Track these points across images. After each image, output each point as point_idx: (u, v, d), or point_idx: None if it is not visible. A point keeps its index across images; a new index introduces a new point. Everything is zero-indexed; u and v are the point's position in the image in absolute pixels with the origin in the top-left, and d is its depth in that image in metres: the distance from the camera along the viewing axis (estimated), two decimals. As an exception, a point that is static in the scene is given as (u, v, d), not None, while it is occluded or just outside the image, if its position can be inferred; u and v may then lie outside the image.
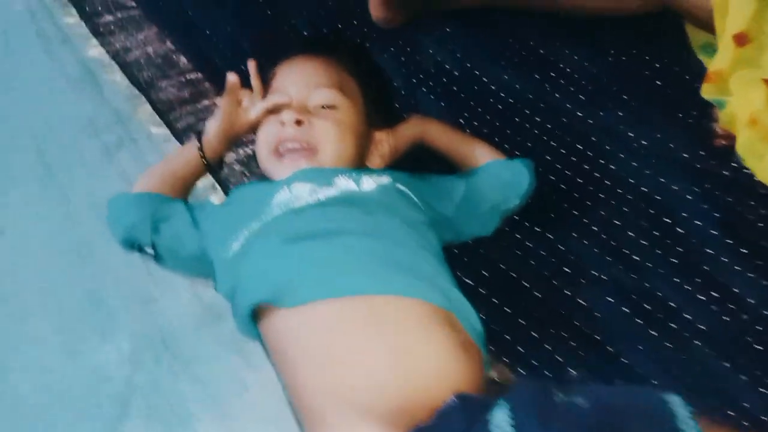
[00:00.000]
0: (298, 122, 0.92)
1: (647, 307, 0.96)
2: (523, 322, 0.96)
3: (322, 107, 0.95)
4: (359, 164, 0.98)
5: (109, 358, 0.93)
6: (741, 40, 1.06)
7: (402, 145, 1.04)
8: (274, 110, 0.96)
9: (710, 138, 1.13)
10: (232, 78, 0.97)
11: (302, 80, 0.97)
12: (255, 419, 0.88)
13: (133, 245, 0.96)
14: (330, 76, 0.98)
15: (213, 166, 1.01)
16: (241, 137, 1.03)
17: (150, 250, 0.94)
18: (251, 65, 0.99)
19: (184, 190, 1.01)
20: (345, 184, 0.90)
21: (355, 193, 0.89)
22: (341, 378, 0.73)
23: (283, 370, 0.80)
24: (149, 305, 0.98)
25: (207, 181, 1.10)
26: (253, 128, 1.00)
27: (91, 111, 1.22)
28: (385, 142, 1.01)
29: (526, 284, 1.00)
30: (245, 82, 0.99)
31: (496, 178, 1.00)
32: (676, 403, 0.65)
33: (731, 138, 1.10)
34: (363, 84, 1.00)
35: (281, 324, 0.80)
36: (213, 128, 1.00)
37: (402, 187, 0.93)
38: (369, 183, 0.91)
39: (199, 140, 1.00)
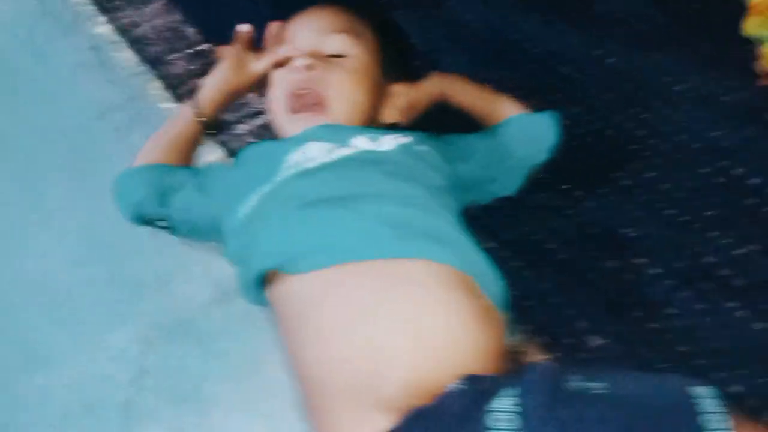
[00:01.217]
0: (309, 66, 0.89)
1: (680, 265, 0.89)
2: (546, 287, 0.90)
3: (335, 56, 0.91)
4: (374, 117, 0.94)
5: (122, 340, 0.93)
6: (786, -34, 0.96)
7: (422, 102, 1.00)
8: (282, 64, 0.93)
9: (753, 79, 1.04)
10: (244, 28, 0.95)
11: (312, 28, 0.94)
12: (271, 397, 0.87)
13: (145, 220, 0.93)
14: (342, 22, 0.94)
15: (210, 126, 0.97)
16: (242, 95, 1.00)
17: (162, 223, 0.92)
18: (272, 25, 0.96)
19: (187, 154, 0.97)
20: (362, 143, 0.86)
21: (372, 152, 0.85)
22: (346, 351, 0.69)
23: (289, 340, 0.77)
24: (162, 285, 0.97)
25: (218, 154, 1.07)
26: (256, 85, 0.97)
27: (102, 92, 1.20)
28: (401, 96, 0.97)
29: (550, 247, 0.94)
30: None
31: (521, 132, 0.96)
32: (704, 395, 0.59)
33: None
34: (379, 33, 0.96)
35: (290, 291, 0.76)
36: (211, 83, 0.97)
37: (423, 148, 0.89)
38: (388, 142, 0.87)
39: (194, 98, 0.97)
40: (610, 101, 1.07)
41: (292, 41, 0.94)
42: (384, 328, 0.69)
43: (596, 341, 0.85)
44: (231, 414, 0.86)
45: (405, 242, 0.74)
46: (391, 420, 0.64)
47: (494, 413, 0.59)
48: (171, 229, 0.93)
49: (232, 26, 1.25)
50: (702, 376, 0.62)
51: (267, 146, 0.93)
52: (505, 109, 0.98)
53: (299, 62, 0.89)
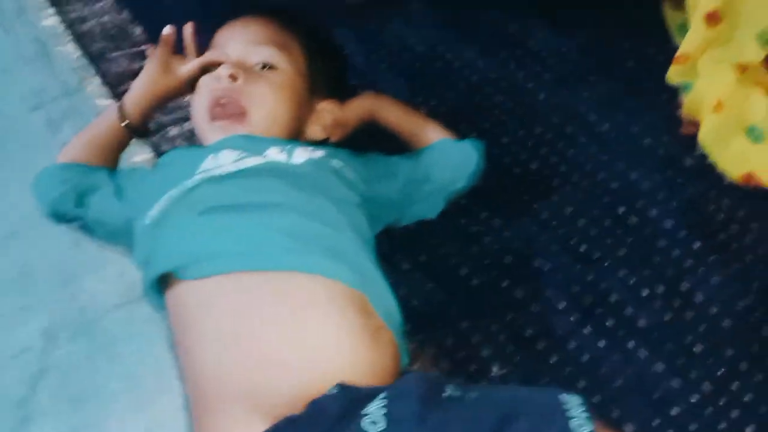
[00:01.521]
0: (233, 77, 0.89)
1: (587, 301, 0.91)
2: (455, 312, 0.91)
3: (262, 67, 0.91)
4: (297, 132, 0.94)
5: (26, 334, 0.92)
6: (712, 19, 0.99)
7: (351, 121, 1.00)
8: (208, 68, 0.93)
9: (677, 125, 1.07)
10: (167, 30, 0.94)
11: (241, 38, 0.94)
12: (172, 402, 0.86)
13: (62, 218, 0.93)
14: (271, 35, 0.94)
15: (135, 129, 0.96)
16: (170, 98, 0.99)
17: (78, 223, 0.92)
18: (188, 27, 0.96)
19: (110, 156, 0.97)
20: (274, 154, 0.86)
21: (281, 164, 0.85)
22: (230, 361, 0.70)
23: (179, 344, 0.77)
24: (72, 282, 0.96)
25: (148, 155, 1.07)
26: (184, 89, 0.97)
27: (39, 83, 1.19)
28: (328, 113, 0.97)
29: (464, 272, 0.95)
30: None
31: (444, 157, 0.97)
32: (573, 403, 0.62)
33: (698, 125, 1.03)
34: (308, 48, 0.96)
35: (182, 296, 0.76)
36: (137, 87, 0.96)
37: (337, 164, 0.89)
38: (300, 156, 0.87)
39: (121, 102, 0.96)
40: (538, 134, 1.10)
41: (221, 48, 0.94)
42: (270, 341, 0.70)
43: (498, 370, 0.86)
44: (127, 416, 0.85)
45: (300, 255, 0.75)
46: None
47: (368, 416, 0.61)
48: (86, 229, 0.93)
49: (177, 28, 1.27)
50: (598, 412, 0.63)
51: (184, 152, 0.94)
52: (431, 134, 0.99)
53: (223, 71, 0.89)
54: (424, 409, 0.61)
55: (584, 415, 0.60)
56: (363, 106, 1.02)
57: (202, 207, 0.79)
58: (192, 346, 0.73)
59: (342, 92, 1.01)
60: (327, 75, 0.98)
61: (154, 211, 0.83)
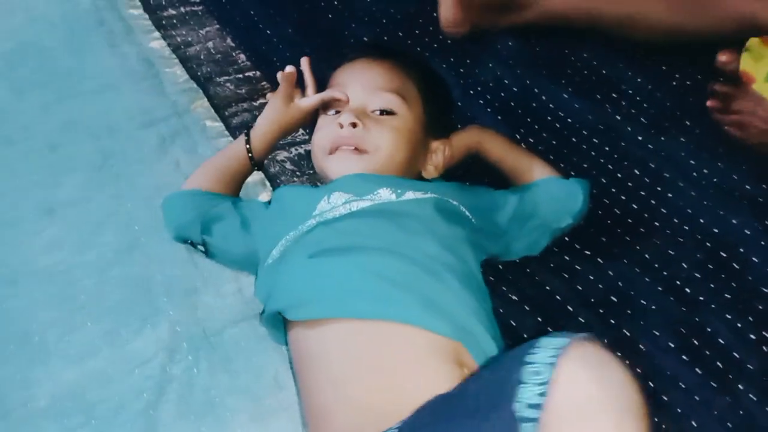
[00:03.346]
0: (354, 124, 0.91)
1: (695, 342, 0.93)
2: (564, 347, 0.93)
3: (381, 112, 0.94)
4: (412, 172, 0.97)
5: (148, 345, 0.94)
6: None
7: (457, 153, 1.03)
8: (328, 105, 0.96)
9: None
10: (289, 68, 0.98)
11: (362, 83, 0.96)
12: (288, 418, 0.88)
13: (185, 241, 0.98)
14: (391, 80, 0.96)
15: (259, 162, 1.01)
16: (291, 131, 1.03)
17: (201, 248, 0.96)
18: (305, 62, 1.00)
19: (234, 185, 1.01)
20: (386, 195, 0.89)
21: (390, 204, 0.88)
22: (336, 405, 0.75)
23: (299, 377, 0.83)
24: (192, 296, 0.99)
25: (257, 176, 1.10)
26: (305, 122, 1.01)
27: (149, 102, 1.24)
28: (440, 152, 0.99)
29: (570, 308, 0.97)
30: (300, 83, 1.00)
31: (550, 195, 0.98)
32: (543, 345, 0.63)
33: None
34: (424, 92, 0.98)
35: (295, 336, 0.82)
36: (263, 121, 1.00)
37: (450, 200, 0.91)
38: (412, 195, 0.89)
39: (248, 135, 1.00)
40: (637, 177, 1.12)
41: (341, 88, 0.96)
42: (371, 391, 0.74)
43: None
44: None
45: (399, 306, 0.78)
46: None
47: None
48: (208, 253, 0.97)
49: (279, 56, 1.31)
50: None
51: (300, 192, 0.97)
52: (537, 171, 1.01)
53: (345, 119, 0.91)
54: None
55: (547, 359, 0.61)
56: (469, 138, 1.04)
57: (313, 250, 0.84)
58: (304, 384, 0.80)
59: (450, 130, 1.04)
60: (440, 116, 1.01)
61: (275, 252, 0.88)
